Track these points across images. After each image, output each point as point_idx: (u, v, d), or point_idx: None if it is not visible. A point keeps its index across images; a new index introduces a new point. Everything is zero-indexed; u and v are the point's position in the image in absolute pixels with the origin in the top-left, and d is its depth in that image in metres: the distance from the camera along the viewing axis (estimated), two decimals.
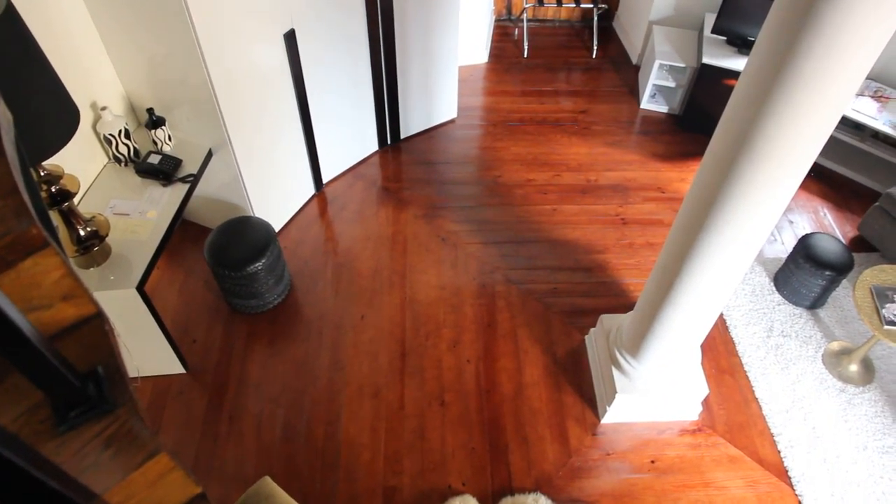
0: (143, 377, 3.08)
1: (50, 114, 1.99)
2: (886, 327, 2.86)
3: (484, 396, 3.05)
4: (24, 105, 1.88)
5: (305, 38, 3.27)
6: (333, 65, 3.56)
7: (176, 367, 3.09)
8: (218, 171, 3.24)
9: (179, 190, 2.94)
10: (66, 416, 0.62)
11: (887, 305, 2.92)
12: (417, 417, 2.97)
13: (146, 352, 2.96)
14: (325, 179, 4.02)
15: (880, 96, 4.23)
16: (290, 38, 3.16)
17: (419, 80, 4.10)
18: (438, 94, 4.32)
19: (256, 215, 3.45)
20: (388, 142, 4.32)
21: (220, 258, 3.10)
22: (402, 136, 4.36)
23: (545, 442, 2.93)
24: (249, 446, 2.87)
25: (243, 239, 3.16)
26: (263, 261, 3.13)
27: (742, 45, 4.26)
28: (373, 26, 3.58)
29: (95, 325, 0.69)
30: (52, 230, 0.76)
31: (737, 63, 4.19)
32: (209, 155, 3.14)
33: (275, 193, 3.61)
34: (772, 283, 3.65)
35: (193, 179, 3.00)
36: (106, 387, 0.64)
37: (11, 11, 1.77)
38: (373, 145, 4.25)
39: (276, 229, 3.72)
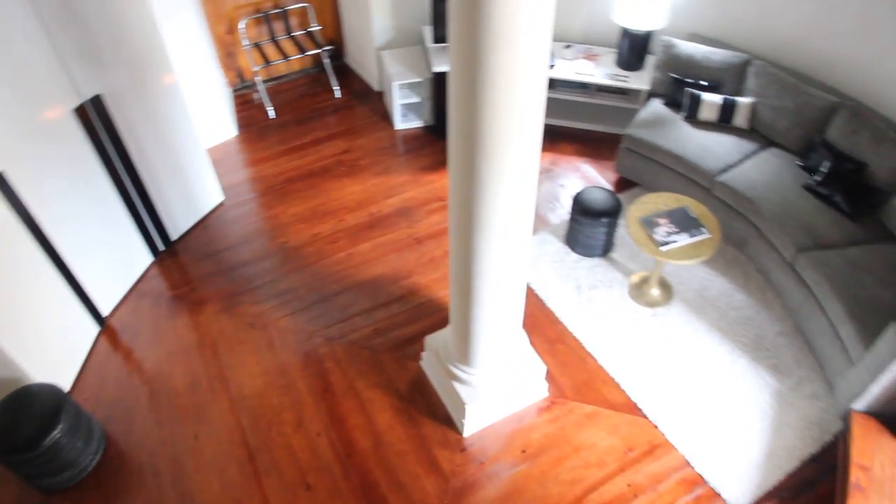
0: None
1: None
2: (662, 248, 3.17)
3: (346, 462, 2.95)
4: None
5: (22, 178, 2.96)
6: (67, 194, 3.26)
7: None
8: None
9: None
10: None
11: (655, 230, 3.23)
12: None
13: None
14: (105, 312, 3.67)
15: (591, 55, 4.71)
16: (3, 184, 2.85)
17: (168, 177, 3.89)
18: (195, 184, 4.13)
19: (37, 381, 3.07)
20: (161, 248, 4.05)
21: (7, 444, 2.71)
22: (174, 237, 4.11)
23: (420, 479, 2.89)
24: None
25: (28, 413, 2.80)
26: (61, 426, 2.79)
27: None
28: (96, 141, 3.34)
29: None
30: None
31: None
32: None
33: (51, 350, 3.23)
34: (566, 246, 3.91)
35: None
36: None
37: None
38: (146, 258, 3.96)
39: (69, 384, 3.34)
